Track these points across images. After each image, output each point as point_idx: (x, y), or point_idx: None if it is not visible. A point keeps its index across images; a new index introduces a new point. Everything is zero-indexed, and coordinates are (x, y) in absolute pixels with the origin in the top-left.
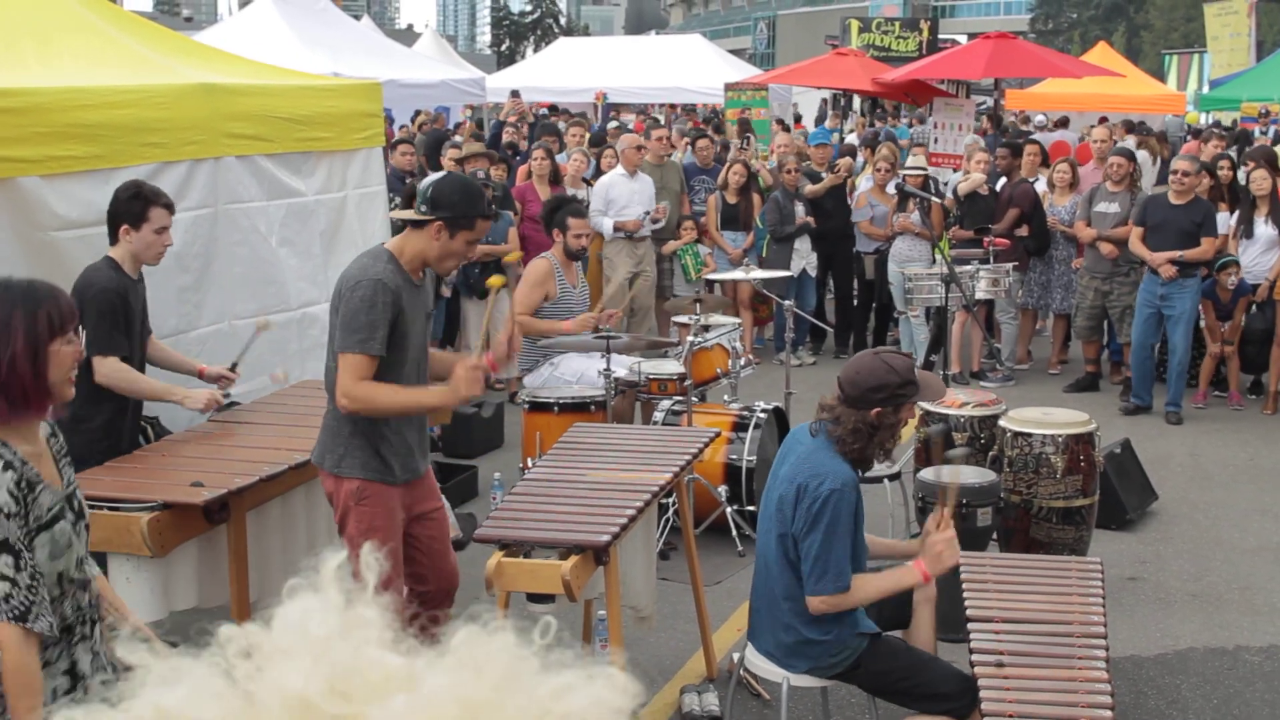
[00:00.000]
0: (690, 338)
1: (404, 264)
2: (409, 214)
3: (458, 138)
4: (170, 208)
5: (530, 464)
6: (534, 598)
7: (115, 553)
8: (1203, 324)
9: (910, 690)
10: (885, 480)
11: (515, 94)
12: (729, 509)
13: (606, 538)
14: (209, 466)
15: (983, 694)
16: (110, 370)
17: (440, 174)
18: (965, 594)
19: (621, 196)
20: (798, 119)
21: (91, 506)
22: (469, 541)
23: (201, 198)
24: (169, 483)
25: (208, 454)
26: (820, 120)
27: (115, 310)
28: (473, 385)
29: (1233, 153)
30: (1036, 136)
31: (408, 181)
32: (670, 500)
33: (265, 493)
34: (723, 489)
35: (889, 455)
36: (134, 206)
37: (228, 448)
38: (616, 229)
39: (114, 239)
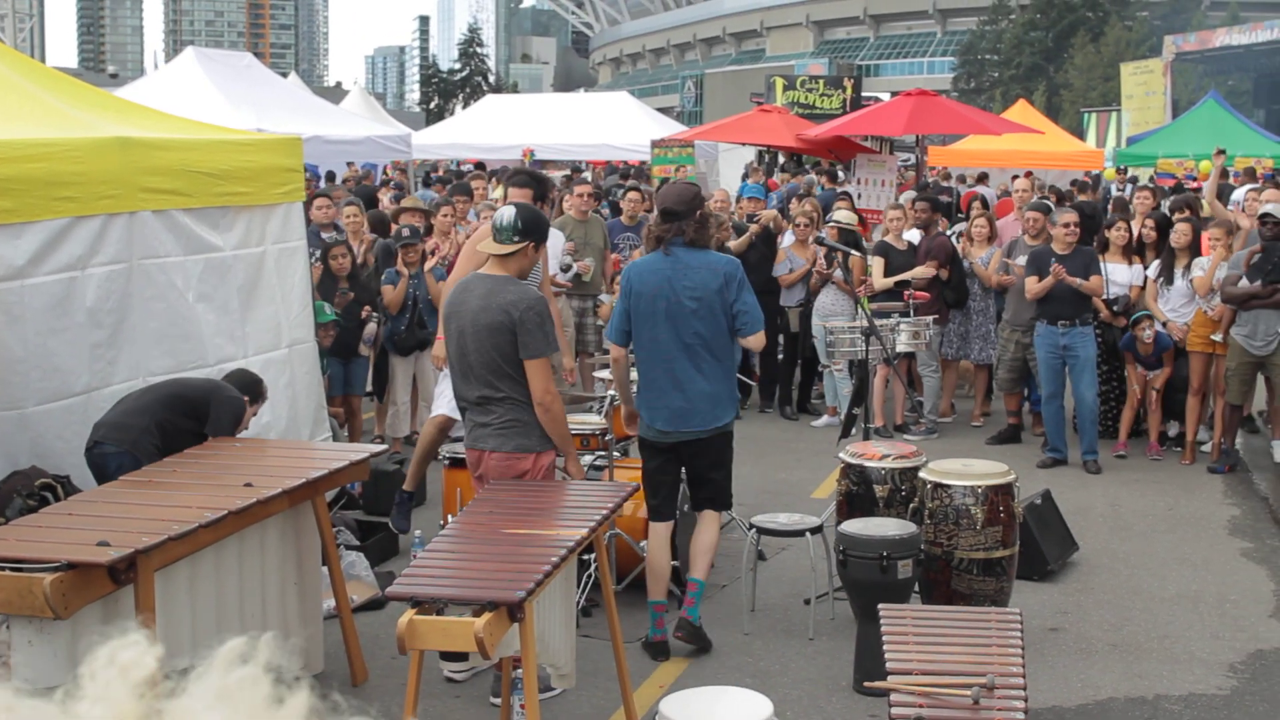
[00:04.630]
0: (611, 392)
1: None
2: (505, 248)
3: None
4: None
5: (449, 520)
6: (448, 656)
7: (17, 615)
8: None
9: (724, 475)
10: (808, 534)
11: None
12: None
13: (521, 593)
14: (116, 525)
15: None
16: None
17: (514, 206)
18: (885, 647)
19: None
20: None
21: None
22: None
23: (116, 252)
24: (74, 542)
25: (115, 513)
26: (745, 178)
27: None
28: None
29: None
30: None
31: (325, 237)
32: (592, 556)
33: (174, 552)
34: (644, 544)
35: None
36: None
37: (136, 506)
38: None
39: None
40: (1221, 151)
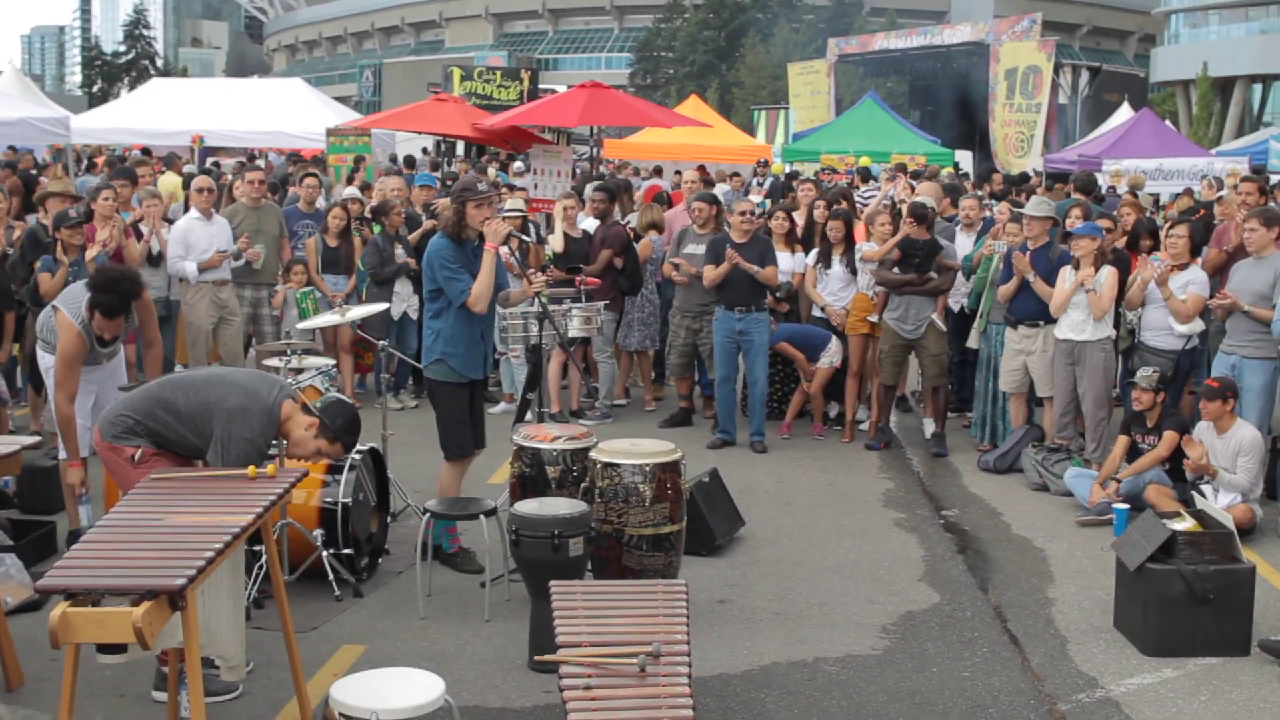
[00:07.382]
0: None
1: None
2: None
3: (44, 178)
4: None
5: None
6: (105, 649)
7: None
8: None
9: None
10: (481, 516)
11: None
12: (325, 553)
13: (182, 581)
14: None
15: (571, 717)
16: None
17: (341, 400)
18: (555, 622)
19: (201, 240)
20: (410, 163)
21: None
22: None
23: None
24: None
25: None
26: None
27: None
28: None
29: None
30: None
31: None
32: (262, 547)
33: None
34: (318, 533)
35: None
36: None
37: None
38: (201, 270)
39: None
40: (897, 174)
